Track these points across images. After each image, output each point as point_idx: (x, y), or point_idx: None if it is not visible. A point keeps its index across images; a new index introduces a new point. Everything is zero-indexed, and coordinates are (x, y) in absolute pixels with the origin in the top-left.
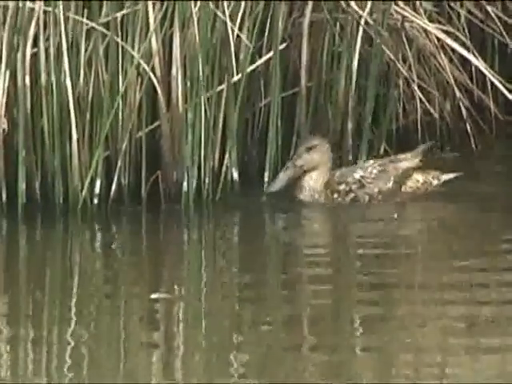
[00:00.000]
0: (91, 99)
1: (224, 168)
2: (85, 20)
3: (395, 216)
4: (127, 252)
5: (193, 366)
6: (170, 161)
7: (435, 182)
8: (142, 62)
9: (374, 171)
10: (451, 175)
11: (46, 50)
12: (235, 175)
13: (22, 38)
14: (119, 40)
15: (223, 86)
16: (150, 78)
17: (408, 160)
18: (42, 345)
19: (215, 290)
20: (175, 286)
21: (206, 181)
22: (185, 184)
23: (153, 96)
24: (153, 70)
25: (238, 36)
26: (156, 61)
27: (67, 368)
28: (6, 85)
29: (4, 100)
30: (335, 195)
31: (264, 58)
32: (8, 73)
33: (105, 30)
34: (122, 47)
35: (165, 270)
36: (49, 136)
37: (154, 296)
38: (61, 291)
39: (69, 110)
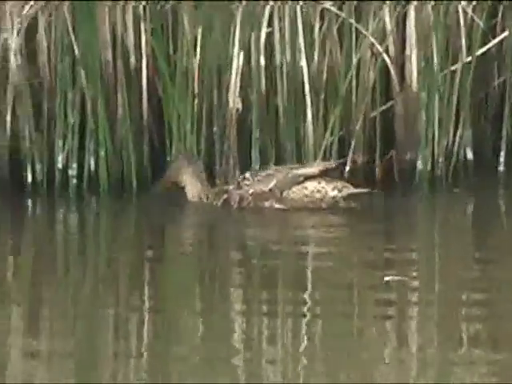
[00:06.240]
0: (325, 79)
1: (457, 147)
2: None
3: None
4: (359, 233)
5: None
6: (404, 140)
7: (333, 193)
8: (375, 42)
9: (263, 174)
10: (359, 190)
11: (281, 29)
12: (469, 155)
13: (257, 19)
14: (353, 20)
15: (457, 66)
16: (383, 59)
17: (307, 167)
18: (276, 319)
19: (449, 273)
20: (409, 268)
21: (440, 160)
22: (418, 163)
23: (386, 76)
24: (386, 50)
25: (471, 16)
26: (390, 41)
27: (298, 341)
28: (241, 65)
29: (238, 80)
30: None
31: (498, 38)
32: (242, 53)
33: (338, 11)
34: (356, 27)
35: (397, 252)
36: (283, 116)
37: (387, 278)
38: (294, 272)
39: (303, 90)
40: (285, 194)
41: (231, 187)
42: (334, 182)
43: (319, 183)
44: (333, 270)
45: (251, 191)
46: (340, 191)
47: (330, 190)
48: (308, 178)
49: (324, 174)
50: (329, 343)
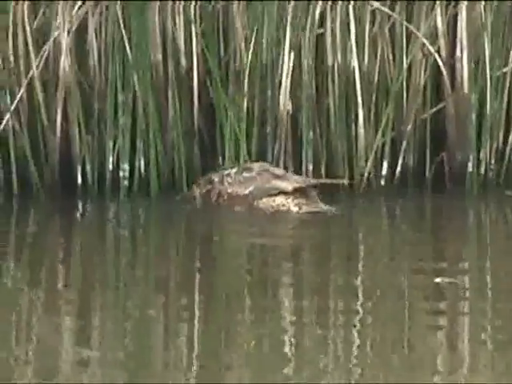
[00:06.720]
0: (377, 80)
1: (508, 149)
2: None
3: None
4: (410, 232)
5: (478, 351)
6: (455, 142)
7: (295, 209)
8: (426, 42)
9: (246, 175)
10: (318, 209)
11: (332, 30)
12: None
13: (309, 19)
14: (404, 21)
15: (508, 68)
16: (434, 59)
17: (286, 181)
18: (327, 328)
19: (500, 276)
20: (459, 270)
21: (491, 162)
22: (469, 165)
23: (437, 77)
24: (438, 50)
25: None
26: (441, 42)
27: (349, 347)
28: (291, 66)
29: (289, 81)
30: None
31: None
32: (292, 54)
33: (389, 11)
34: (407, 28)
35: (448, 254)
36: (334, 117)
37: (437, 280)
38: (345, 270)
39: (355, 91)
40: (255, 203)
41: (216, 179)
42: (299, 199)
43: (286, 199)
44: (382, 279)
45: (229, 191)
46: (300, 208)
47: (293, 206)
48: (282, 192)
49: (299, 191)
50: (380, 352)
